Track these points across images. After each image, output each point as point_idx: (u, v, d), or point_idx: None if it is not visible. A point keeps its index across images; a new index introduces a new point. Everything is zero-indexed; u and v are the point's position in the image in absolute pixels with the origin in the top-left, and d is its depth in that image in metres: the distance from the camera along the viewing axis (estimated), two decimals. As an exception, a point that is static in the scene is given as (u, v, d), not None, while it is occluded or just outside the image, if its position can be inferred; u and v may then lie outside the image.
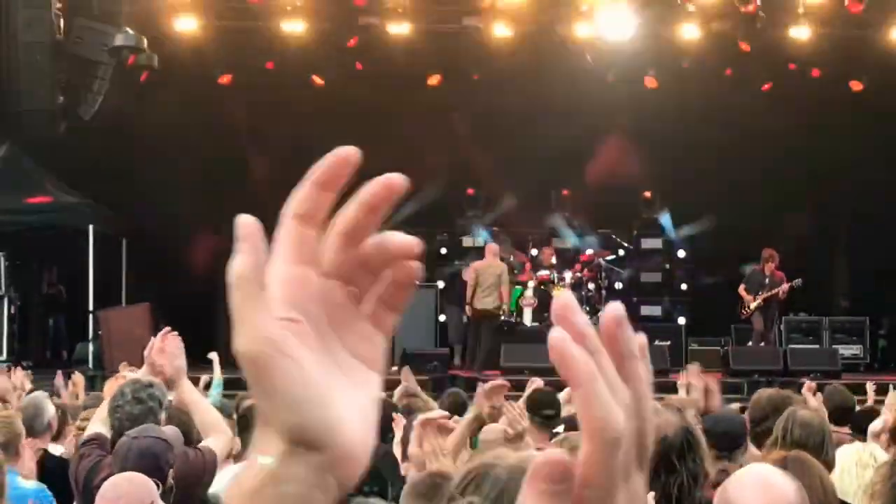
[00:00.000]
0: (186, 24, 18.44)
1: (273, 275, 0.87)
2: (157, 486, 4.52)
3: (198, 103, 18.96)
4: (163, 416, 5.43)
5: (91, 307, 18.39)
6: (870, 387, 11.26)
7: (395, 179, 0.90)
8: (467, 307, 18.42)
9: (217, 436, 5.68)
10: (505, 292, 18.43)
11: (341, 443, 0.84)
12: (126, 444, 4.77)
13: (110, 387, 6.67)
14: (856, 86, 19.60)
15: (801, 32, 18.86)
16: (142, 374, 5.82)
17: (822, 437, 5.35)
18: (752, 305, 18.05)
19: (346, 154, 0.92)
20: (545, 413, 7.30)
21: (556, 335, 0.77)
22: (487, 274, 18.23)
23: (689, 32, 19.08)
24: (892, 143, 19.30)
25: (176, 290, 19.60)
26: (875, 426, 6.85)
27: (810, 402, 7.04)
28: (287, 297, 0.87)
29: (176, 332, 5.86)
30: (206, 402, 5.89)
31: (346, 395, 0.86)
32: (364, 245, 0.89)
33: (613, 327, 0.80)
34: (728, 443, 6.22)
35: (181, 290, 19.63)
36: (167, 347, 5.71)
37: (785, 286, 17.90)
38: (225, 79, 19.52)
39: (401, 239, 0.90)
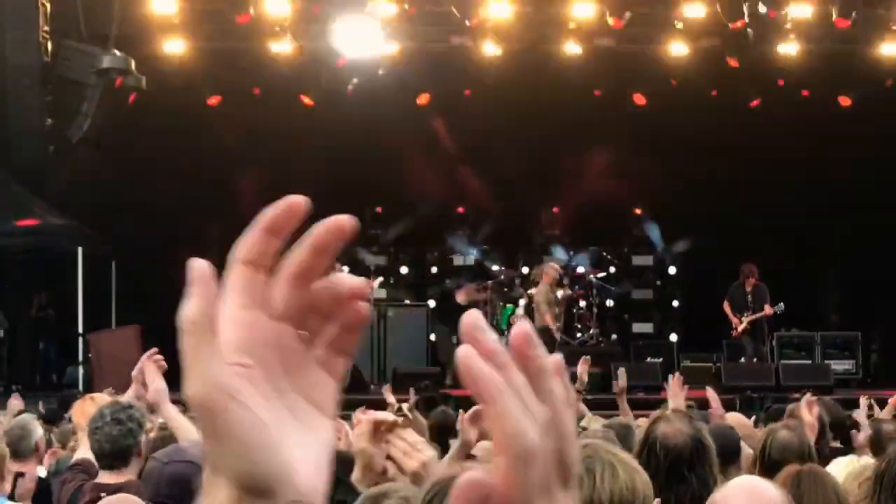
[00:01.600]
0: (174, 46, 18.42)
1: (223, 319, 0.85)
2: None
3: (186, 125, 18.95)
4: (142, 437, 5.37)
5: (81, 330, 18.31)
6: (863, 402, 11.22)
7: (344, 221, 0.89)
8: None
9: None
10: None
11: (293, 489, 0.83)
12: (157, 469, 4.64)
13: (78, 409, 6.59)
14: (844, 101, 19.64)
15: (789, 48, 18.91)
16: (129, 395, 5.77)
17: (802, 459, 5.31)
18: (740, 329, 18.01)
19: (296, 203, 0.91)
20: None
21: (464, 351, 0.77)
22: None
23: (677, 49, 19.11)
24: (881, 157, 19.33)
25: (166, 312, 19.44)
26: (859, 441, 6.85)
27: (805, 418, 6.99)
28: (238, 341, 0.86)
29: (160, 355, 5.80)
30: (189, 424, 5.82)
31: (298, 440, 0.85)
32: (314, 287, 0.88)
33: (522, 345, 0.79)
34: (722, 457, 6.19)
35: (171, 313, 19.45)
36: (147, 370, 5.66)
37: (768, 310, 17.82)
38: (213, 100, 19.51)
39: (350, 281, 0.88)
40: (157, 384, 5.68)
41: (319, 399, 0.88)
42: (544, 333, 17.79)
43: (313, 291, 0.88)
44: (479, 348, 0.77)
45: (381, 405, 10.80)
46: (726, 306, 18.21)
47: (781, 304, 17.99)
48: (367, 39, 18.12)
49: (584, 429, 7.31)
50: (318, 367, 0.89)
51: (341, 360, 0.89)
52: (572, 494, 0.79)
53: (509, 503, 0.75)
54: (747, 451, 6.41)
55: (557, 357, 0.81)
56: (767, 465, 5.55)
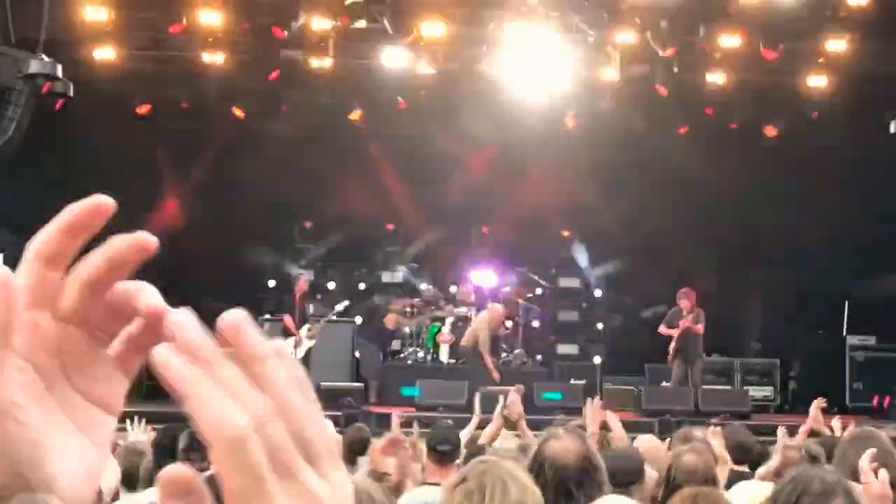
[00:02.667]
0: (105, 53, 18.25)
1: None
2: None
3: (115, 133, 18.76)
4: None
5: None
6: (780, 432, 11.35)
7: (150, 241, 0.85)
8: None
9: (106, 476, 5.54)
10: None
11: (55, 501, 0.82)
12: None
13: None
14: (770, 132, 19.94)
15: (717, 78, 19.16)
16: None
17: (706, 482, 5.38)
18: (675, 334, 17.69)
19: (101, 203, 0.87)
20: (441, 449, 7.31)
21: (158, 350, 0.77)
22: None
23: (609, 74, 19.28)
24: (803, 188, 19.64)
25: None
26: (761, 471, 6.96)
27: (714, 446, 7.10)
28: (17, 343, 0.83)
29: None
30: None
31: (69, 446, 0.84)
32: (110, 294, 0.85)
33: (232, 333, 0.79)
34: (624, 477, 6.26)
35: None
36: None
37: (684, 322, 17.52)
38: (143, 109, 19.36)
39: (148, 300, 0.84)
40: None
41: (106, 398, 0.87)
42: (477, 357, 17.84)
43: (109, 298, 0.85)
44: (180, 345, 0.77)
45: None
46: (663, 328, 18.06)
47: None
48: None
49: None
50: (110, 364, 0.87)
51: (138, 356, 0.87)
52: (328, 467, 0.80)
53: (232, 489, 0.76)
54: (652, 473, 6.49)
55: (279, 342, 0.81)
56: (672, 488, 5.61)
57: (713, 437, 7.46)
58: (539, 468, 4.27)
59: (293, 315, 18.46)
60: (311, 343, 18.18)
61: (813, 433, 8.95)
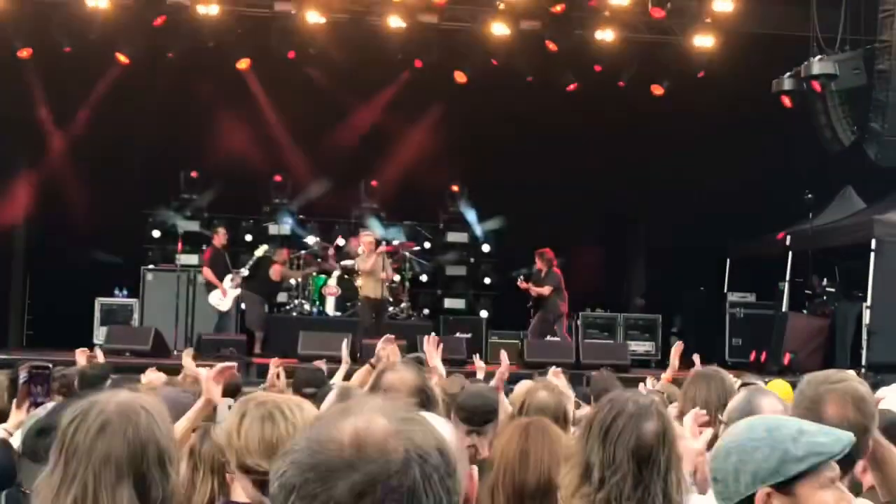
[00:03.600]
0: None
1: None
2: None
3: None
4: None
5: None
6: (649, 381, 11.57)
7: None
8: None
9: None
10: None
11: None
12: None
13: None
14: (657, 90, 20.12)
15: (606, 35, 19.26)
16: None
17: (557, 418, 5.47)
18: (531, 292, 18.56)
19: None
20: (306, 391, 7.32)
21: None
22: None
23: (499, 30, 19.27)
24: (688, 144, 19.89)
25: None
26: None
27: (559, 383, 7.20)
28: None
29: None
30: None
31: None
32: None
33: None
34: (480, 417, 6.31)
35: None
36: None
37: (521, 283, 18.56)
38: (24, 52, 18.86)
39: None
40: None
41: None
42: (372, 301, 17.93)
43: None
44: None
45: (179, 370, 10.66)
46: (520, 282, 18.69)
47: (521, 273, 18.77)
48: None
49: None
50: None
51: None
52: None
53: None
54: (508, 408, 6.57)
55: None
56: (520, 421, 5.69)
57: (555, 377, 7.60)
58: (377, 399, 4.27)
59: (214, 268, 18.45)
60: (237, 292, 18.28)
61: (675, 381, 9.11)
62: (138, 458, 2.89)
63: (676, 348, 9.03)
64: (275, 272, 19.16)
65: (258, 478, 3.39)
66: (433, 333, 8.58)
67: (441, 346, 8.06)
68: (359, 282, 18.84)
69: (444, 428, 2.79)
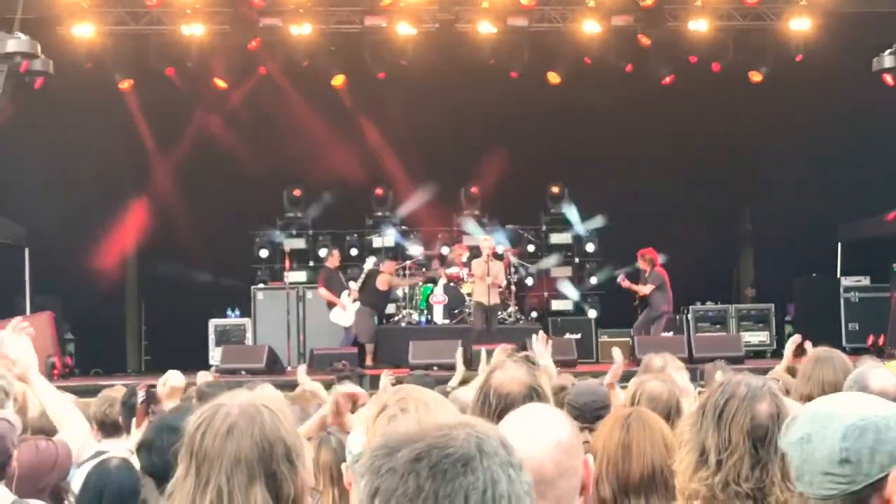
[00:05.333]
0: (84, 30, 18.17)
1: None
2: (2, 467, 4.48)
3: (97, 109, 18.76)
4: (10, 405, 5.34)
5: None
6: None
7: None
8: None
9: (72, 429, 5.59)
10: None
11: None
12: None
13: None
14: (755, 76, 19.84)
15: (699, 25, 19.05)
16: None
17: (669, 409, 5.43)
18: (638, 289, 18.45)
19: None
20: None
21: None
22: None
23: (590, 27, 19.18)
24: (790, 129, 19.58)
25: (80, 297, 19.45)
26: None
27: (677, 378, 7.13)
28: None
29: (27, 324, 5.69)
30: (58, 393, 5.77)
31: None
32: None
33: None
34: (591, 413, 6.30)
35: (86, 298, 19.48)
36: (8, 342, 5.56)
37: (622, 281, 18.60)
38: (126, 83, 19.31)
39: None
40: (23, 355, 5.59)
41: None
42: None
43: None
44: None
45: (296, 385, 10.83)
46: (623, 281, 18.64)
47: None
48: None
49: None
50: None
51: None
52: None
53: None
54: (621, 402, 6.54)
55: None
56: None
57: (677, 371, 7.49)
58: (484, 398, 4.30)
59: (330, 287, 18.78)
60: (356, 306, 18.58)
61: (790, 370, 8.97)
62: (267, 457, 2.93)
63: (794, 340, 8.91)
64: (382, 282, 19.32)
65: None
66: (541, 332, 8.56)
67: (550, 344, 8.03)
68: (467, 288, 18.92)
69: (562, 421, 2.81)
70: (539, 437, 2.66)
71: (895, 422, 2.42)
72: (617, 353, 8.28)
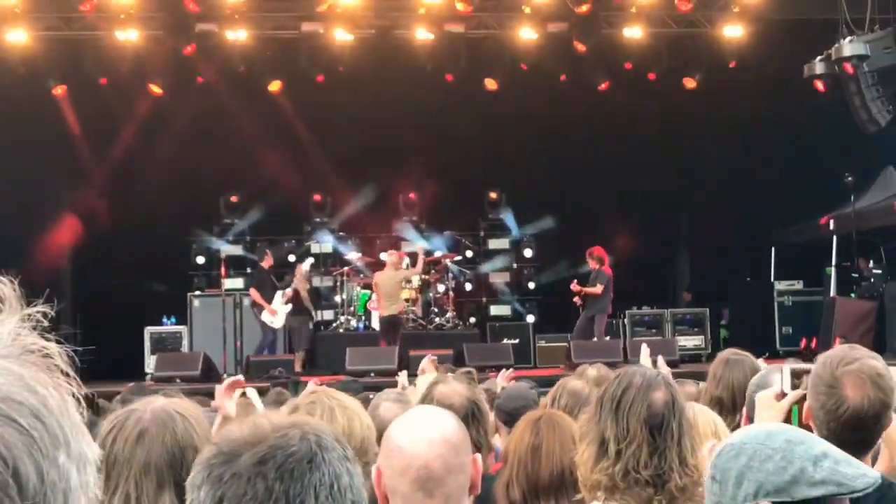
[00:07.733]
0: (16, 36, 17.97)
1: None
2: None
3: (30, 115, 18.58)
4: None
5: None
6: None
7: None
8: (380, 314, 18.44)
9: None
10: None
11: None
12: None
13: None
14: (689, 83, 20.04)
15: (634, 32, 19.23)
16: None
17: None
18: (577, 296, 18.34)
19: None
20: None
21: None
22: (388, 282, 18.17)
23: (526, 34, 19.29)
24: (723, 135, 19.79)
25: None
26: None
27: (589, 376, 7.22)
28: None
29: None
30: None
31: None
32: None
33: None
34: (519, 414, 6.33)
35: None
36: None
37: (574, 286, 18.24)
38: (59, 90, 19.12)
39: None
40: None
41: None
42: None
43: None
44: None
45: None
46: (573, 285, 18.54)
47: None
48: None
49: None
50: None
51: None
52: None
53: None
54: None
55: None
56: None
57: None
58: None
59: (261, 289, 18.67)
60: (289, 308, 18.40)
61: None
62: (178, 464, 2.92)
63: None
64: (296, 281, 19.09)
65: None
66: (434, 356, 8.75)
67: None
68: (406, 294, 18.98)
69: (450, 419, 2.83)
70: (426, 434, 2.69)
71: (781, 458, 2.23)
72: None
